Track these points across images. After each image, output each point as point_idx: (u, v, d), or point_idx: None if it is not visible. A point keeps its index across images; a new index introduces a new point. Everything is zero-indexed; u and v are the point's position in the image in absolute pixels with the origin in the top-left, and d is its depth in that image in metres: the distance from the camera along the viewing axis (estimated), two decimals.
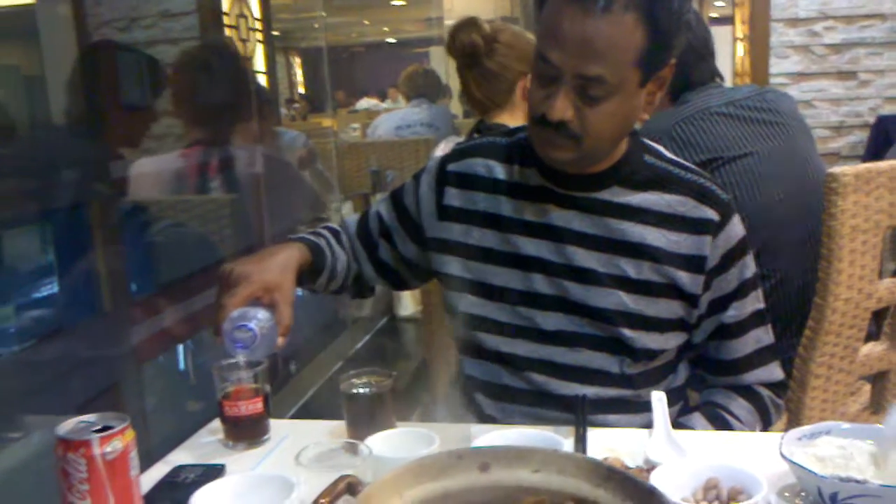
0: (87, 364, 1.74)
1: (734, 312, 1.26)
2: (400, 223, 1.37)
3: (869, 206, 1.55)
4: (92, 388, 1.74)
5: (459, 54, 1.98)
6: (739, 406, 1.28)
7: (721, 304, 1.26)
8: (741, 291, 1.26)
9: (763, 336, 1.30)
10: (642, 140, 1.29)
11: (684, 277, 1.22)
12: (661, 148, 1.30)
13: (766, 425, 1.30)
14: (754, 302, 1.29)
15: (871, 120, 3.64)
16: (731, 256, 1.25)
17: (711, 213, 1.23)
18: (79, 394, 1.70)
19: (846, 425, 0.99)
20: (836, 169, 1.53)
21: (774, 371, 1.31)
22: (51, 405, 1.63)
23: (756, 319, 1.29)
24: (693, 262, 1.22)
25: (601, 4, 1.07)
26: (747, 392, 1.30)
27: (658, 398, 1.15)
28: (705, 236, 1.22)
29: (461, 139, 1.81)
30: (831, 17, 3.64)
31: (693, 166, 1.29)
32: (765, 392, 1.30)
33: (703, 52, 1.90)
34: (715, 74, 1.92)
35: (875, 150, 3.55)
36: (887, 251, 1.98)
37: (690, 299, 1.23)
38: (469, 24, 1.96)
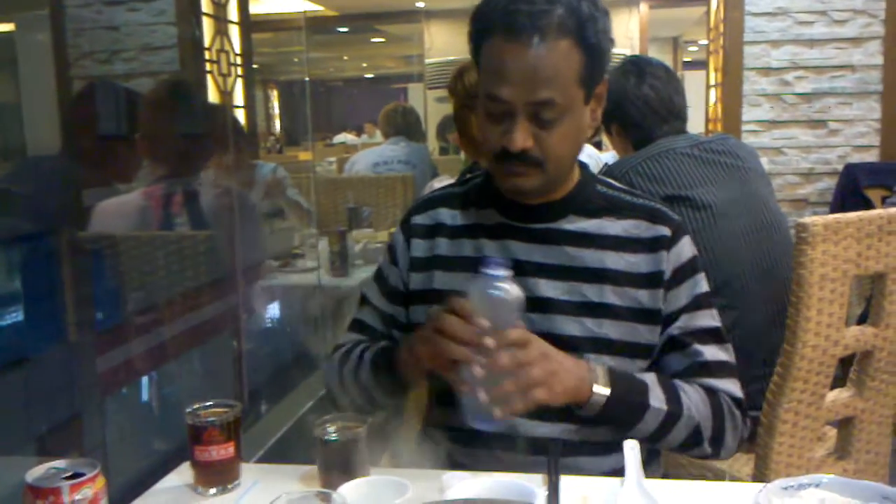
0: (49, 395, 1.72)
1: (682, 325, 1.27)
2: (391, 301, 1.38)
3: (837, 256, 1.58)
4: (52, 419, 1.72)
5: (465, 94, 2.02)
6: (694, 390, 1.26)
7: (672, 317, 1.28)
8: (691, 306, 1.28)
9: (720, 353, 1.29)
10: (591, 172, 1.35)
11: (645, 296, 1.26)
12: (609, 179, 1.37)
13: (719, 432, 1.27)
14: (707, 319, 1.29)
15: (840, 168, 3.71)
16: (683, 271, 1.28)
17: (664, 230, 1.28)
18: (38, 424, 1.68)
19: (839, 480, 0.99)
20: (807, 219, 1.56)
21: (732, 386, 1.29)
22: (8, 436, 1.61)
23: (709, 336, 1.29)
24: (652, 279, 1.26)
25: (537, 36, 1.14)
26: (704, 387, 1.27)
27: (630, 447, 1.15)
28: (661, 252, 1.27)
29: (449, 179, 1.83)
30: (802, 67, 3.72)
31: (641, 193, 1.35)
32: (724, 397, 1.28)
33: (679, 111, 2.01)
34: (681, 132, 2.01)
35: (842, 197, 3.61)
36: (854, 298, 2.02)
37: (653, 317, 1.26)
38: (474, 65, 2.01)
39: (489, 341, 1.07)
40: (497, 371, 1.07)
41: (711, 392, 1.27)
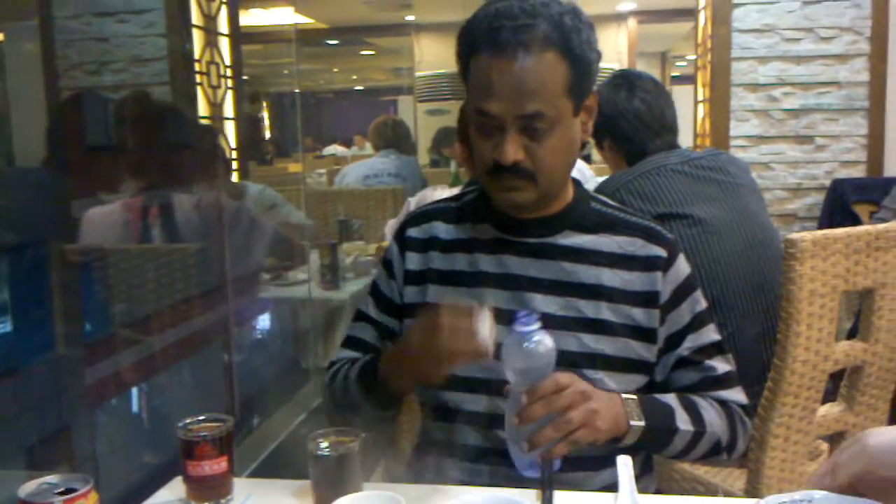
0: (37, 407, 1.71)
1: (690, 345, 1.30)
2: (388, 313, 1.37)
3: (826, 271, 1.59)
4: (40, 432, 1.70)
5: None
6: (710, 405, 1.30)
7: (677, 338, 1.30)
8: (694, 324, 1.31)
9: (725, 365, 1.33)
10: (586, 189, 1.36)
11: (640, 314, 1.27)
12: (603, 197, 1.38)
13: (733, 441, 1.31)
14: (710, 334, 1.32)
15: (827, 183, 3.74)
16: (682, 291, 1.30)
17: (660, 251, 1.29)
18: (27, 437, 1.66)
19: (832, 496, 0.99)
20: (795, 235, 1.57)
21: (738, 394, 1.33)
22: None
23: (713, 350, 1.32)
24: (647, 298, 1.27)
25: (522, 50, 1.16)
26: (718, 401, 1.31)
27: (623, 462, 1.15)
28: (656, 272, 1.28)
29: (444, 189, 1.83)
30: (789, 83, 3.76)
31: (635, 211, 1.36)
32: (735, 407, 1.32)
33: (671, 125, 2.00)
34: (673, 147, 2.01)
35: (830, 213, 3.64)
36: (842, 313, 2.03)
37: (648, 335, 1.27)
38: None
39: (524, 398, 1.08)
40: (536, 420, 1.09)
41: (724, 404, 1.31)
